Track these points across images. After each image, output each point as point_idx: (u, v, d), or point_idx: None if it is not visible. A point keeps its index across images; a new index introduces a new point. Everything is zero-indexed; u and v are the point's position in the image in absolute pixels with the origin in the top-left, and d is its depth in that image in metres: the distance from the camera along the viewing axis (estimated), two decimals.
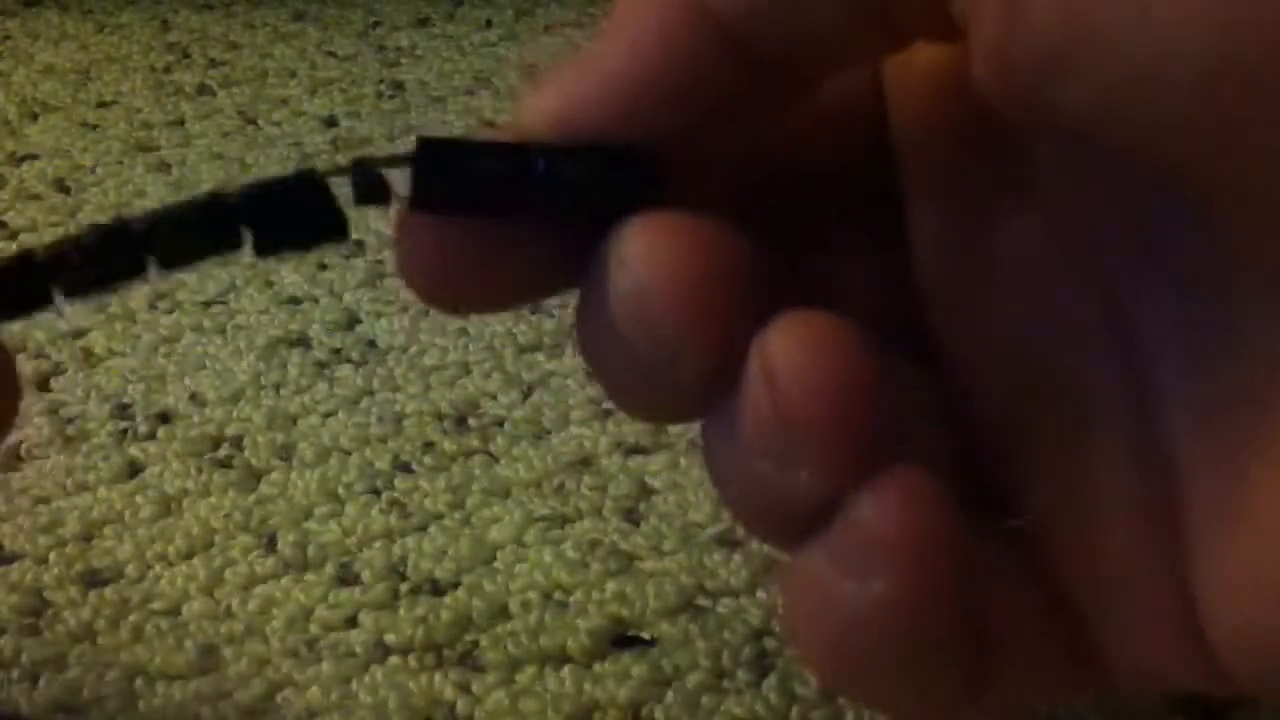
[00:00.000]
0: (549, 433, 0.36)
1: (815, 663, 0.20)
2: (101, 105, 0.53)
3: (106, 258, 0.21)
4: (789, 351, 0.18)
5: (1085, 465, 0.19)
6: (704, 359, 0.19)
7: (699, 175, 0.20)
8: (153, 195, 0.47)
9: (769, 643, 0.29)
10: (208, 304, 0.41)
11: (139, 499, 0.34)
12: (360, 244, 0.44)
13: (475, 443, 0.35)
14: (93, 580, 0.31)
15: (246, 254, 0.21)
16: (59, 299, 0.21)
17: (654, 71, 0.18)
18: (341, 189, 0.21)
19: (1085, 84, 0.15)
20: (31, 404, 0.37)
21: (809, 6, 0.18)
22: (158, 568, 0.32)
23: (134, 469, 0.35)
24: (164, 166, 0.49)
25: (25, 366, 0.38)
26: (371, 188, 0.21)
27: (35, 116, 0.53)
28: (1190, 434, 0.18)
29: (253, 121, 0.52)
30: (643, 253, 0.19)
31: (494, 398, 0.37)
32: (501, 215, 0.21)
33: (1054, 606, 0.20)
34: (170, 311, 0.41)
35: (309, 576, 0.31)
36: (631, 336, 0.19)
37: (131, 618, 0.30)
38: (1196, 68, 0.14)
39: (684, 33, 0.18)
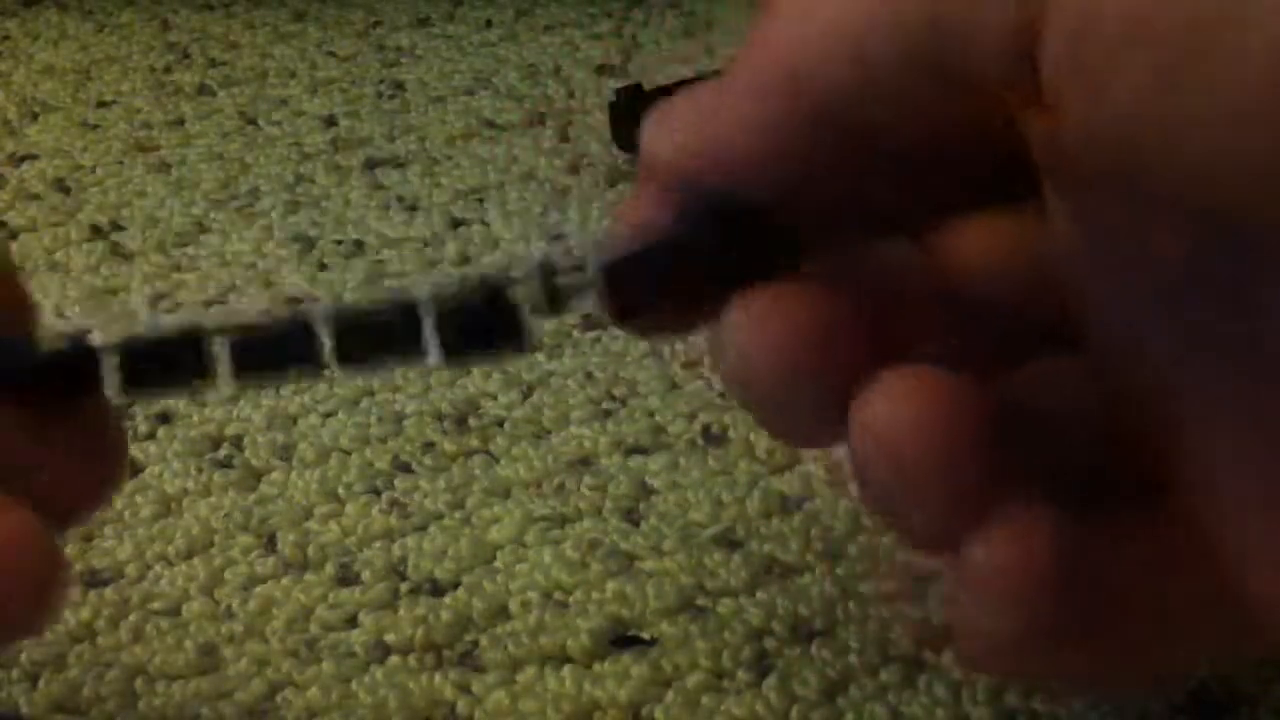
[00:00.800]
0: (549, 433, 0.36)
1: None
2: (101, 105, 0.53)
3: (286, 346, 0.22)
4: (882, 415, 0.19)
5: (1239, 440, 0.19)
6: (811, 413, 0.20)
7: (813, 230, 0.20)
8: (153, 195, 0.47)
9: (769, 643, 0.29)
10: (208, 304, 0.41)
11: (139, 499, 0.34)
12: (360, 244, 0.44)
13: (475, 443, 0.35)
14: (93, 580, 0.31)
15: (431, 360, 0.21)
16: (226, 377, 0.22)
17: (772, 129, 0.19)
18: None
19: (1166, 162, 0.16)
20: None
21: (895, 90, 0.18)
22: (158, 568, 0.32)
23: (134, 469, 0.35)
24: (164, 166, 0.49)
25: None
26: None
27: (35, 116, 0.53)
28: None
29: (253, 121, 0.52)
30: (744, 322, 0.20)
31: (494, 398, 0.37)
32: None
33: (1207, 576, 0.20)
34: (170, 311, 0.41)
35: (309, 576, 0.31)
36: (741, 395, 0.21)
37: (131, 618, 0.30)
38: (1268, 147, 0.15)
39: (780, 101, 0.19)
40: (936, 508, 0.19)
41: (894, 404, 0.19)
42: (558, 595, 0.31)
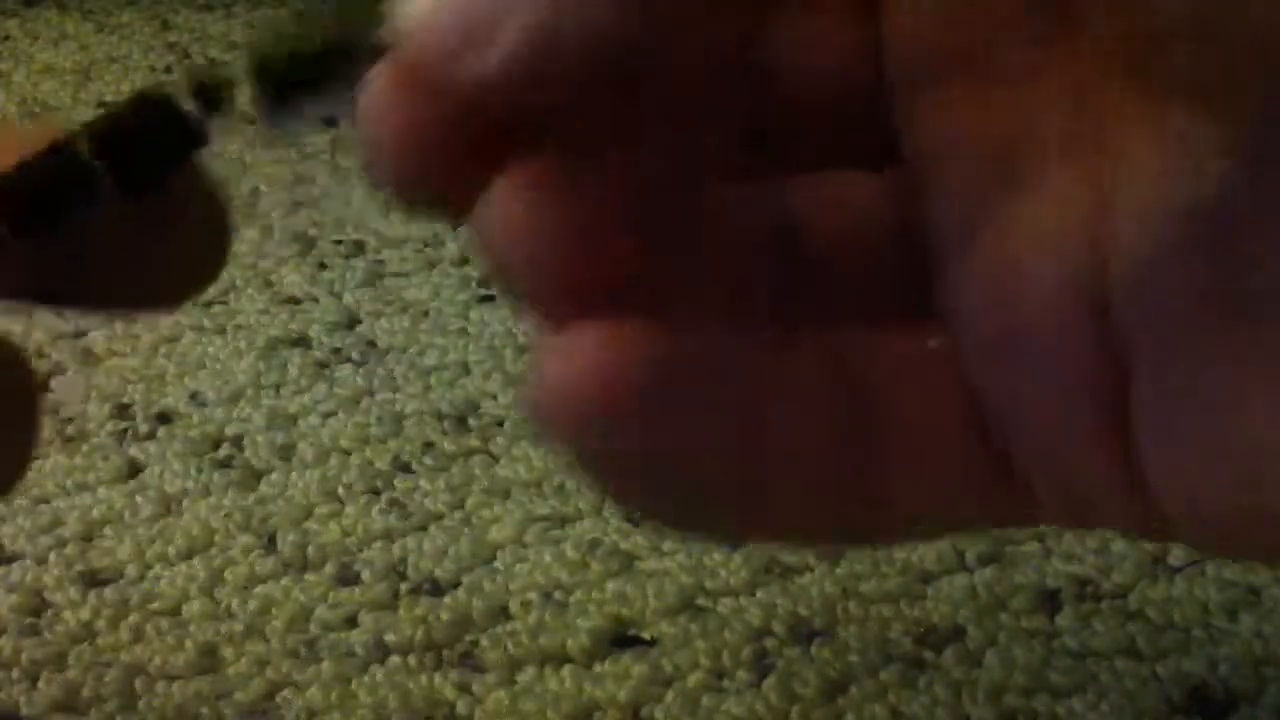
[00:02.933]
0: None
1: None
2: (101, 105, 0.53)
3: None
4: (501, 200, 0.19)
5: (1028, 299, 0.19)
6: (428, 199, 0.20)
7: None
8: None
9: (769, 643, 0.29)
10: (208, 304, 0.41)
11: (139, 499, 0.34)
12: (360, 244, 0.44)
13: (475, 443, 0.35)
14: (93, 580, 0.31)
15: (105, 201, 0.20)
16: None
17: None
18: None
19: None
20: None
21: None
22: (158, 568, 0.32)
23: (134, 469, 0.35)
24: None
25: None
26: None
27: (35, 116, 0.53)
28: (1146, 296, 0.18)
29: (252, 122, 0.51)
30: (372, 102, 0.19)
31: (494, 398, 0.37)
32: None
33: (976, 426, 0.20)
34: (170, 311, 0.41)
35: (309, 576, 0.31)
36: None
37: (131, 618, 0.30)
38: None
39: None
40: (537, 302, 0.19)
41: (508, 194, 0.19)
42: (558, 595, 0.31)
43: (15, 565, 0.32)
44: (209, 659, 0.29)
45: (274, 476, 0.34)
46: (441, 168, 0.20)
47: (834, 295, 0.21)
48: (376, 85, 0.19)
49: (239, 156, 0.49)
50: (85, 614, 0.30)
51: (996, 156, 0.19)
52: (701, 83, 0.20)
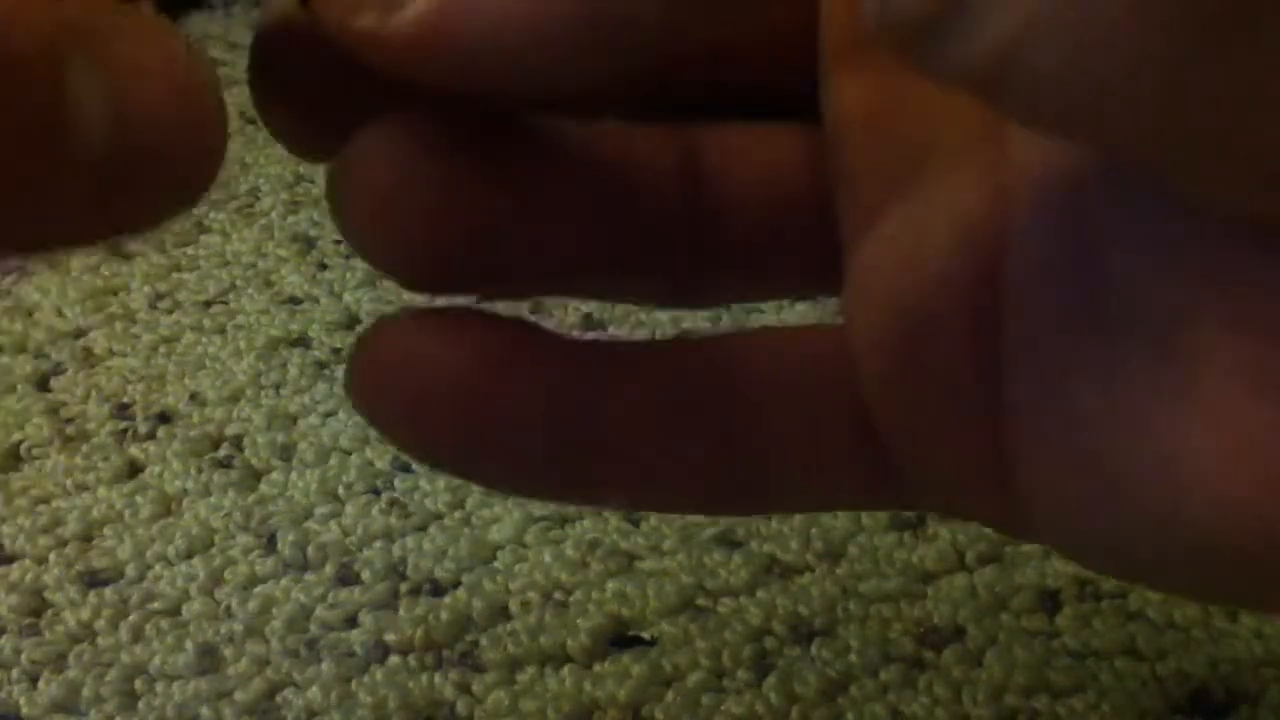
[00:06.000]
0: None
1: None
2: None
3: None
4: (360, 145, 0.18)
5: (923, 286, 0.19)
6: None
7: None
8: None
9: (769, 643, 0.29)
10: (208, 304, 0.41)
11: (139, 499, 0.34)
12: None
13: None
14: (93, 580, 0.31)
15: None
16: None
17: None
18: None
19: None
20: (31, 404, 0.37)
21: None
22: (158, 568, 0.32)
23: (134, 469, 0.35)
24: None
25: (25, 366, 0.38)
26: None
27: None
28: (1026, 300, 0.18)
29: (253, 121, 0.51)
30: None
31: None
32: None
33: (859, 416, 0.20)
34: (170, 311, 0.41)
35: (309, 576, 0.31)
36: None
37: (131, 618, 0.30)
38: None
39: None
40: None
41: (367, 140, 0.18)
42: (558, 595, 0.31)
43: (15, 565, 0.32)
44: (209, 659, 0.29)
45: (274, 476, 0.34)
46: (317, 100, 0.19)
47: (734, 255, 0.21)
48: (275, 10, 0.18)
49: (239, 156, 0.49)
50: (85, 614, 0.30)
51: (908, 142, 0.19)
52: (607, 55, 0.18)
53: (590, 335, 0.39)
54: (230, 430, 0.36)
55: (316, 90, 0.19)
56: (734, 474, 0.20)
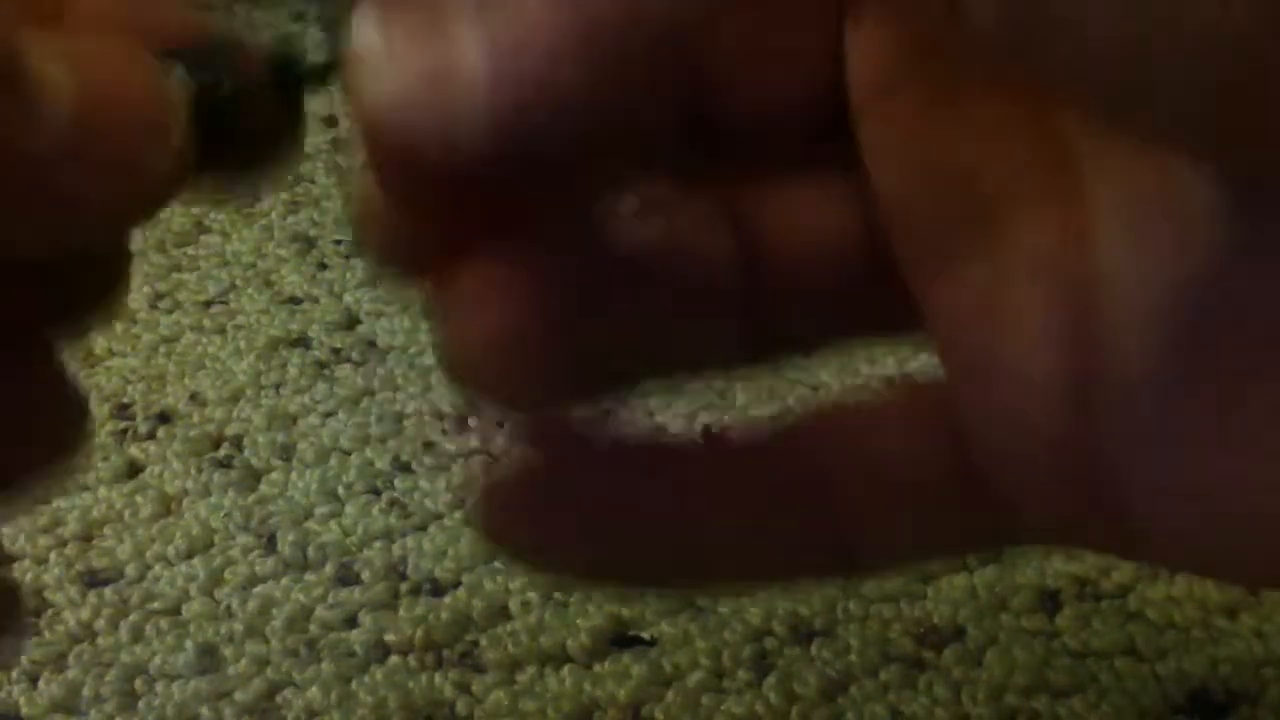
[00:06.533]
0: None
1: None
2: None
3: None
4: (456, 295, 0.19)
5: (1011, 323, 0.19)
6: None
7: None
8: None
9: (769, 643, 0.29)
10: (208, 304, 0.41)
11: (139, 499, 0.34)
12: (360, 244, 0.44)
13: (475, 443, 0.35)
14: (93, 580, 0.31)
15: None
16: None
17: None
18: None
19: None
20: None
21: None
22: (158, 568, 0.32)
23: (134, 469, 0.35)
24: None
25: None
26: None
27: None
28: (1132, 320, 0.18)
29: None
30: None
31: None
32: None
33: (957, 451, 0.20)
34: (170, 311, 0.41)
35: (309, 576, 0.31)
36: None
37: (131, 618, 0.30)
38: None
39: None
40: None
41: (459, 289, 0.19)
42: (558, 595, 0.31)
43: (15, 565, 0.32)
44: (209, 659, 0.29)
45: (274, 476, 0.34)
46: (410, 239, 0.20)
47: (795, 315, 0.21)
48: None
49: None
50: (85, 614, 0.30)
51: (965, 183, 0.19)
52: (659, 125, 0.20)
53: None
54: (230, 430, 0.36)
55: (413, 221, 0.20)
56: (842, 543, 0.20)
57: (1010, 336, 0.18)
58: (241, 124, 0.19)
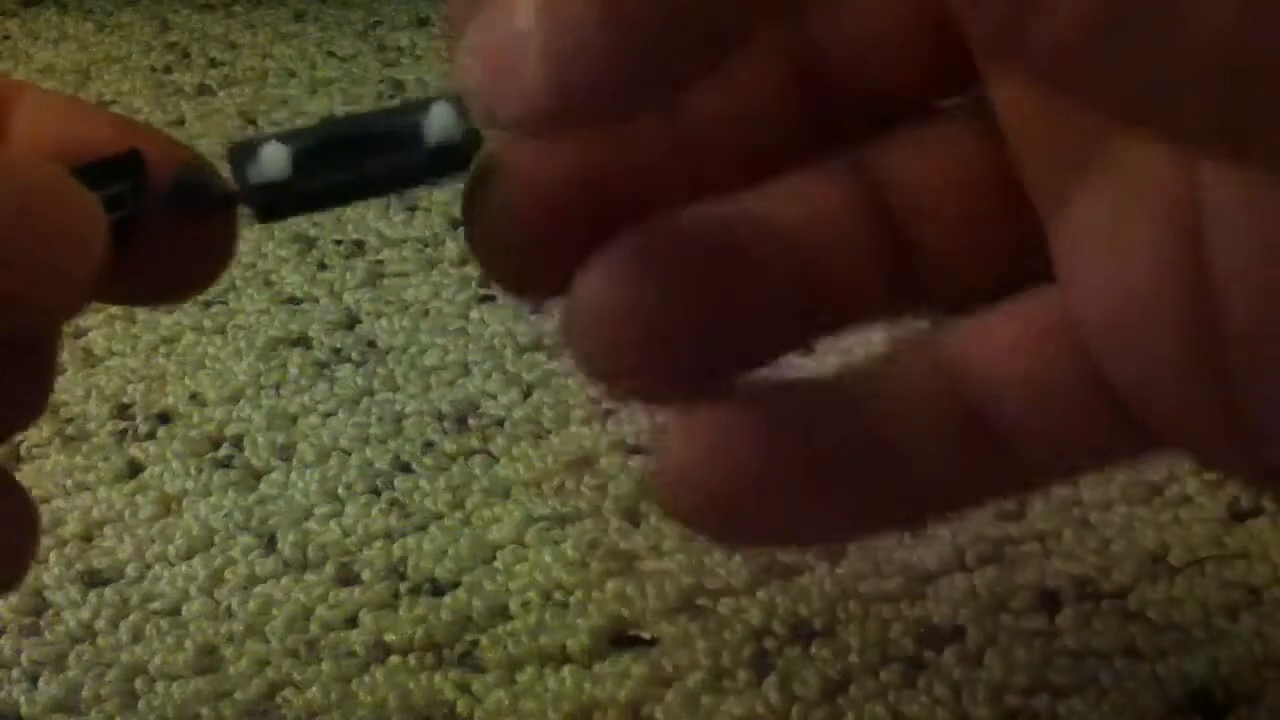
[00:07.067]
0: (549, 433, 0.36)
1: None
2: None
3: None
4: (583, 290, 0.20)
5: (1130, 257, 0.19)
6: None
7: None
8: None
9: (769, 643, 0.29)
10: (208, 304, 0.41)
11: (139, 499, 0.34)
12: (360, 244, 0.44)
13: (475, 443, 0.35)
14: (93, 580, 0.31)
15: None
16: None
17: None
18: None
19: None
20: None
21: None
22: (158, 568, 0.32)
23: (134, 469, 0.35)
24: None
25: None
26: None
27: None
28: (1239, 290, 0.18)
29: (253, 121, 0.52)
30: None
31: (494, 398, 0.37)
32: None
33: (1099, 386, 0.20)
34: (170, 311, 0.41)
35: (309, 576, 0.31)
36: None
37: (131, 618, 0.30)
38: None
39: None
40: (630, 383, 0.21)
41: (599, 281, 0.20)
42: (558, 595, 0.31)
43: None
44: (209, 659, 0.29)
45: (274, 476, 0.34)
46: (531, 249, 0.21)
47: (937, 267, 0.21)
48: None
49: None
50: (85, 614, 0.30)
51: (1081, 122, 0.19)
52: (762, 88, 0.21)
53: None
54: (230, 430, 0.36)
55: (528, 238, 0.21)
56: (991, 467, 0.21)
57: (1130, 270, 0.19)
58: (144, 240, 0.21)
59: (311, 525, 0.33)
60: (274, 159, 0.21)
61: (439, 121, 0.21)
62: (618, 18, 0.16)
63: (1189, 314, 0.18)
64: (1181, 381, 0.19)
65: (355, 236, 0.44)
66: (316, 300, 0.41)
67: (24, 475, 0.35)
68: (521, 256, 0.21)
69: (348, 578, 0.31)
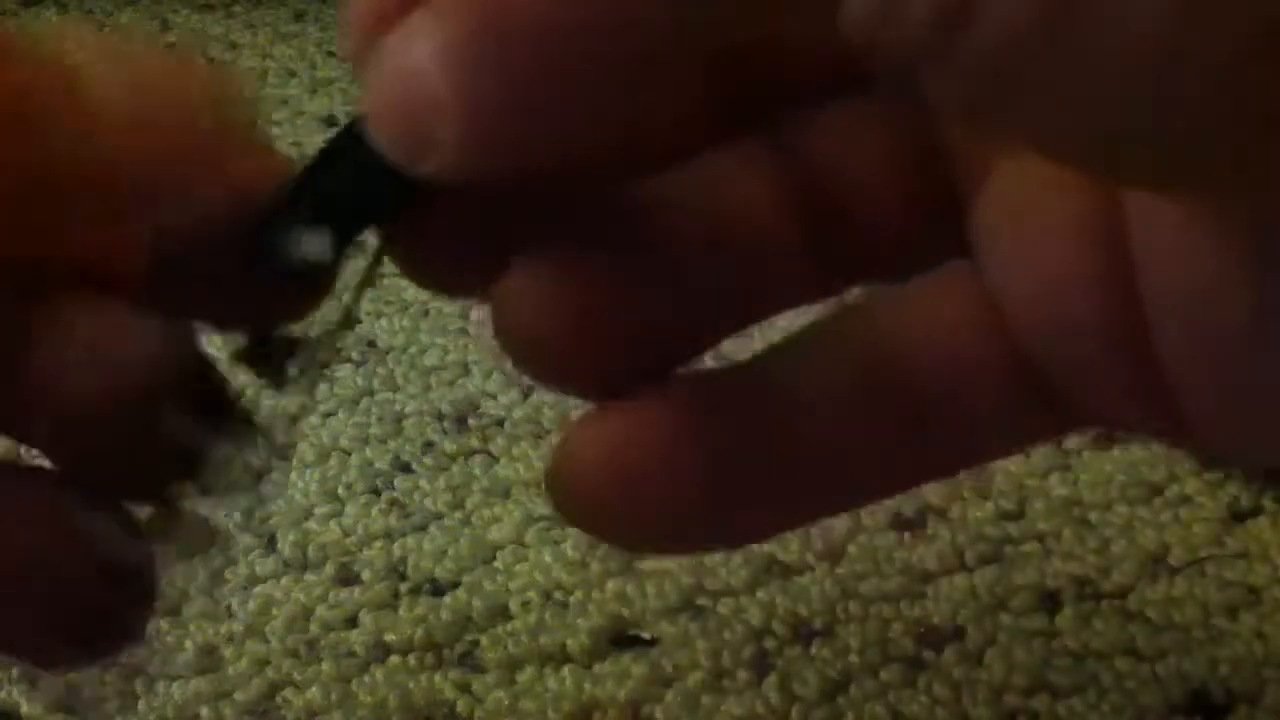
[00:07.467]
0: (549, 433, 0.36)
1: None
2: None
3: None
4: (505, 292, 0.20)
5: (1044, 229, 0.19)
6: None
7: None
8: None
9: (769, 643, 0.29)
10: None
11: None
12: (360, 244, 0.44)
13: (475, 443, 0.35)
14: None
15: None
16: None
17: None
18: None
19: None
20: None
21: None
22: None
23: None
24: None
25: None
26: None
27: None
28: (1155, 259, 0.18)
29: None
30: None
31: (494, 398, 0.37)
32: None
33: (1018, 363, 0.20)
34: None
35: (309, 576, 0.31)
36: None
37: None
38: None
39: None
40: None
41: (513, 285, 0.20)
42: (558, 595, 0.31)
43: None
44: (209, 659, 0.29)
45: (274, 476, 0.34)
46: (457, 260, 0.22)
47: (863, 244, 0.21)
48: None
49: None
50: None
51: None
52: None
53: None
54: None
55: (448, 238, 0.22)
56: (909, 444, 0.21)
57: (1046, 237, 0.19)
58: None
59: (311, 525, 0.33)
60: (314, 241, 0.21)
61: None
62: (523, 76, 0.16)
63: (1104, 275, 0.18)
64: (1096, 336, 0.19)
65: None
66: None
67: None
68: (443, 261, 0.21)
69: (348, 578, 0.31)
